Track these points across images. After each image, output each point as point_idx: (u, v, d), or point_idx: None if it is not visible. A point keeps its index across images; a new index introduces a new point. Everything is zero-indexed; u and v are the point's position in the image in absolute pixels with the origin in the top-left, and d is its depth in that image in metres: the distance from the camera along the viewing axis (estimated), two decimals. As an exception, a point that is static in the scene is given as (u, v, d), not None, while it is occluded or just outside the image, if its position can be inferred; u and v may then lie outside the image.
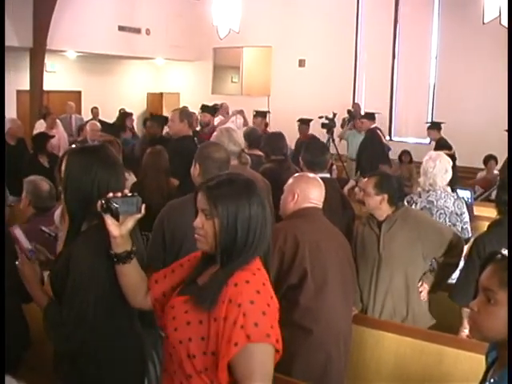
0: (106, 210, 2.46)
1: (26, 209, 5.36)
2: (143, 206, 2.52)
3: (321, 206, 3.94)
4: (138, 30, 17.22)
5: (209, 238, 2.38)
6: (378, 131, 11.94)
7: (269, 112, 11.95)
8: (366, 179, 4.91)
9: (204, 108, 10.91)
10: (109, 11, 16.12)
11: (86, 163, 2.76)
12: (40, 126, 12.45)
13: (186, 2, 18.16)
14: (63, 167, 2.82)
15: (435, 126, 11.61)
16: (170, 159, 6.27)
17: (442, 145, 10.84)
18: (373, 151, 10.37)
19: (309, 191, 3.88)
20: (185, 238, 3.76)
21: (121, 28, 16.71)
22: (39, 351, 4.01)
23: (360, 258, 4.74)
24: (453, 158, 10.73)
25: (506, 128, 10.17)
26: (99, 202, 2.47)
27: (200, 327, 2.30)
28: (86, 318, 2.66)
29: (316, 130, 11.96)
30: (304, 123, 11.50)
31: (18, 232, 3.11)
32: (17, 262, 2.97)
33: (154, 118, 10.24)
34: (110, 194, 2.47)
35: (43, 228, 4.54)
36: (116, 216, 2.46)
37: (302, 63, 17.34)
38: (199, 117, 10.96)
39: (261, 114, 11.57)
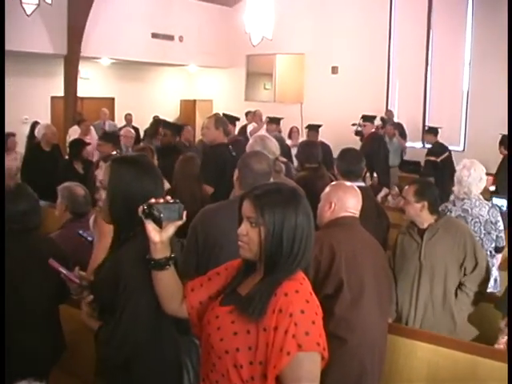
0: (148, 216, 2.45)
1: (62, 214, 5.41)
2: (184, 213, 2.50)
3: (358, 215, 3.91)
4: (171, 37, 17.33)
5: (253, 246, 2.38)
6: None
7: (282, 118, 11.89)
8: (406, 187, 4.90)
9: (224, 117, 10.79)
10: (142, 18, 16.23)
11: (134, 173, 2.79)
12: (73, 133, 12.57)
13: (219, 9, 18.29)
14: (105, 176, 2.83)
15: (433, 131, 11.81)
16: (205, 166, 6.28)
17: (433, 149, 11.40)
18: (373, 157, 10.27)
19: (346, 200, 3.85)
20: (216, 244, 3.77)
21: (154, 35, 16.83)
22: (75, 355, 4.06)
23: (399, 268, 4.73)
24: (448, 159, 10.96)
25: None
26: (141, 208, 2.46)
27: (248, 337, 2.31)
28: (140, 320, 2.68)
29: (348, 136, 11.93)
30: (313, 129, 11.11)
31: (55, 264, 3.13)
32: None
33: (169, 126, 9.46)
34: (153, 200, 2.46)
35: (81, 232, 4.55)
36: (159, 223, 2.45)
37: (334, 70, 17.30)
38: None
39: (274, 121, 11.55)
